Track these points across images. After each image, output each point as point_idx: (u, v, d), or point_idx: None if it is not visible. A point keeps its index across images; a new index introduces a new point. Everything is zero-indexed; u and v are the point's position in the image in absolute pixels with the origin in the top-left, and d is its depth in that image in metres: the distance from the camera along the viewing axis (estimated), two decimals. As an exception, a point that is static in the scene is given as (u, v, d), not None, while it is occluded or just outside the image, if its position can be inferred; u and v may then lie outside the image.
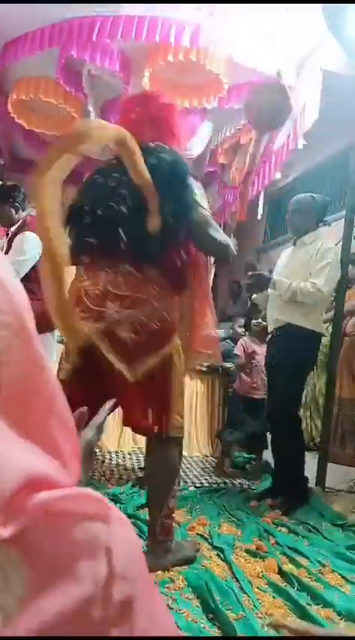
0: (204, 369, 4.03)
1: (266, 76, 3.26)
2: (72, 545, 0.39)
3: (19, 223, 2.92)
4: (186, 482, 3.09)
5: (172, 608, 1.47)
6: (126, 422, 1.86)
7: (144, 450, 3.13)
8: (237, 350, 3.60)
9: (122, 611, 0.40)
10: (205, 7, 3.19)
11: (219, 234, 1.85)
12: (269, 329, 2.93)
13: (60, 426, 0.46)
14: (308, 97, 3.55)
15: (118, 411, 3.80)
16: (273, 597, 1.62)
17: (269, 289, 2.77)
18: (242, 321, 4.26)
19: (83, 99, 3.69)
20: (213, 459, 3.86)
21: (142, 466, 3.16)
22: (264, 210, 4.83)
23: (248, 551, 1.99)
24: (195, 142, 4.13)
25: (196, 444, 3.99)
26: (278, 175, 4.75)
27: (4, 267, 0.46)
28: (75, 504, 0.40)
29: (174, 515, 1.87)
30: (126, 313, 1.62)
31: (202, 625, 1.43)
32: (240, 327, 4.65)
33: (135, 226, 1.64)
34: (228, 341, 4.30)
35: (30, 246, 2.79)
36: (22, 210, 2.99)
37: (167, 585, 1.63)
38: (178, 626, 1.39)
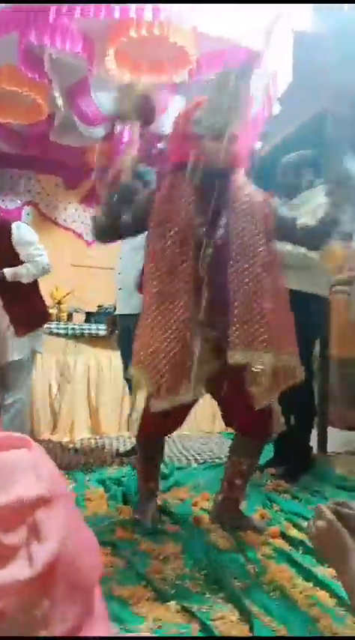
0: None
1: (231, 43, 3.20)
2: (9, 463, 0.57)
3: None
4: (188, 459, 3.11)
5: (177, 584, 1.48)
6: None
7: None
8: None
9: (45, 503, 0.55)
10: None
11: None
12: None
13: None
14: (279, 62, 3.49)
15: (117, 396, 3.82)
16: (278, 563, 1.63)
17: None
18: None
19: (48, 84, 3.61)
20: (213, 435, 3.88)
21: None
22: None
23: (251, 521, 2.00)
24: (166, 119, 4.05)
25: (196, 420, 3.99)
26: (258, 145, 4.68)
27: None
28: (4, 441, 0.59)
29: None
30: None
31: (208, 595, 1.44)
32: None
33: None
34: None
35: (30, 233, 2.88)
36: None
37: (170, 565, 1.64)
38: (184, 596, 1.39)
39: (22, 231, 2.85)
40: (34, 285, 2.91)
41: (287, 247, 2.58)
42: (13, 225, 2.86)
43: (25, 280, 2.79)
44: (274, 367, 1.73)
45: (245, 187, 1.90)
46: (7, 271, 2.75)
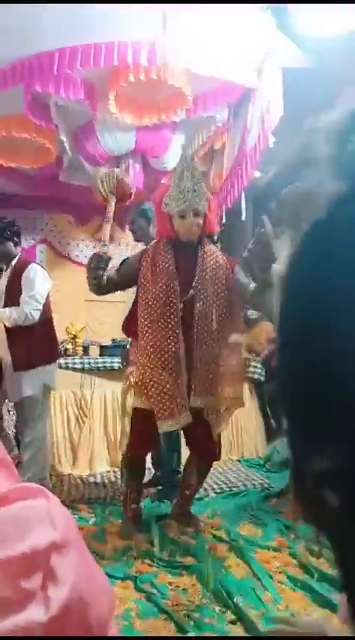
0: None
1: (225, 82, 3.33)
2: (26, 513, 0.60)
3: (18, 257, 2.98)
4: (206, 489, 3.11)
5: (195, 616, 1.51)
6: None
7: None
8: None
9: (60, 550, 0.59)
10: (159, 22, 3.25)
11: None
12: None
13: None
14: (271, 96, 3.61)
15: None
16: (293, 590, 1.65)
17: None
18: None
19: (54, 130, 3.78)
20: (231, 463, 3.88)
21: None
22: (248, 211, 4.87)
23: (269, 549, 2.03)
24: (168, 156, 4.20)
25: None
26: (257, 174, 4.79)
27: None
28: (22, 492, 0.62)
29: None
30: None
31: (226, 627, 1.47)
32: None
33: None
34: None
35: (39, 279, 2.91)
36: (19, 245, 3.07)
37: (188, 596, 1.67)
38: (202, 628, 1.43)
39: (32, 274, 2.89)
40: (44, 323, 2.94)
41: None
42: (29, 266, 2.93)
43: (6, 323, 2.82)
44: (223, 402, 2.27)
45: (212, 254, 2.34)
46: None
